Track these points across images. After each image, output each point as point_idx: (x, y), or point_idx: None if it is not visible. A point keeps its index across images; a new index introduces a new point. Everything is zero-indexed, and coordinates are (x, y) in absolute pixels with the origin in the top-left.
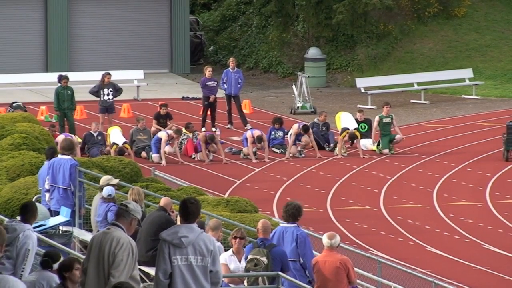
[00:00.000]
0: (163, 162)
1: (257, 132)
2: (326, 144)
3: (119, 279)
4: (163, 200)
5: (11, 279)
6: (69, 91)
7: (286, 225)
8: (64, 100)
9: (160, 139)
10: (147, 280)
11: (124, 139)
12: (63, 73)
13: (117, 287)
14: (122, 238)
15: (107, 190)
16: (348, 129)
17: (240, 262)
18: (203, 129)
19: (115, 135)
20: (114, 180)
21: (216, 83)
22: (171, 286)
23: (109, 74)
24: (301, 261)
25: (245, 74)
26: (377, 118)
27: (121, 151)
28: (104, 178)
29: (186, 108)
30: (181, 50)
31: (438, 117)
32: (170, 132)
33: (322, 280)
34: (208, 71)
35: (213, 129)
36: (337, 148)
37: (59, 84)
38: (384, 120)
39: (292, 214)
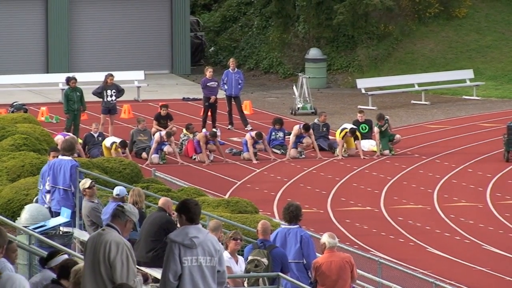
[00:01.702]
0: (148, 162)
1: (255, 132)
2: (329, 144)
3: (128, 281)
4: (161, 201)
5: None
6: (78, 92)
7: (289, 226)
8: (74, 101)
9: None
10: (147, 275)
11: (120, 139)
12: (70, 74)
13: None
14: (117, 242)
15: (116, 190)
16: (346, 128)
17: (237, 263)
18: (204, 130)
19: (110, 139)
20: (87, 183)
21: (216, 83)
22: (180, 287)
23: (112, 75)
24: (305, 262)
25: (245, 74)
26: (376, 129)
27: (123, 143)
28: (80, 184)
29: (187, 109)
30: (182, 51)
31: (439, 118)
32: (163, 133)
33: (330, 281)
34: (208, 72)
35: (214, 129)
36: (337, 149)
37: (67, 86)
38: (383, 128)
39: (296, 215)
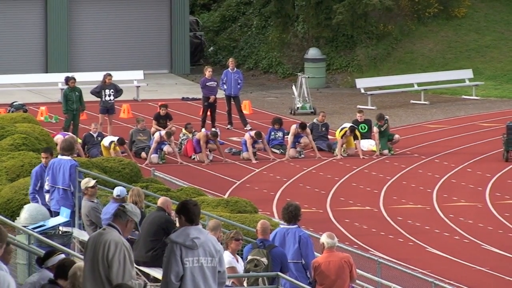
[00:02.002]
0: (147, 162)
1: (255, 131)
2: (328, 144)
3: (123, 281)
4: (160, 200)
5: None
6: (77, 92)
7: (288, 226)
8: (73, 101)
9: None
10: (146, 281)
11: (116, 137)
12: (70, 74)
13: None
14: (116, 241)
15: (116, 190)
16: (346, 127)
17: (237, 262)
18: (203, 129)
19: (109, 138)
20: (91, 182)
21: (216, 83)
22: None
23: (110, 75)
24: (303, 262)
25: (245, 74)
26: (375, 129)
27: (120, 141)
28: (83, 182)
29: (186, 108)
30: (181, 50)
31: (438, 117)
32: (162, 133)
33: (329, 281)
34: (208, 72)
35: (214, 129)
36: (337, 149)
37: (67, 86)
38: (382, 129)
39: (295, 215)
